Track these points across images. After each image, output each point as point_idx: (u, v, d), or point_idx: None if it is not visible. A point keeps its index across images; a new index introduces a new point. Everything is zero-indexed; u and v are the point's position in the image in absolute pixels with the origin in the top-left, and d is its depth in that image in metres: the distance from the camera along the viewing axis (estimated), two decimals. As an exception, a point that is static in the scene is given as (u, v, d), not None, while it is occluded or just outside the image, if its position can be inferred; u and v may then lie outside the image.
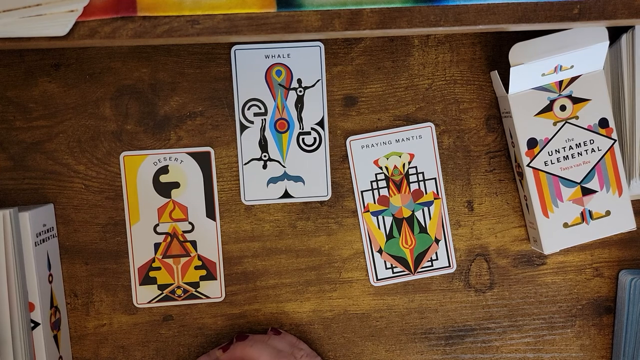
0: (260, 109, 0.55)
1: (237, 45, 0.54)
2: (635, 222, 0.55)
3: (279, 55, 0.55)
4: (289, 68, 0.55)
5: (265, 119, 0.55)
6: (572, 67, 0.52)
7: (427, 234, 0.57)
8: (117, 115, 0.55)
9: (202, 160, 0.55)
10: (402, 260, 0.57)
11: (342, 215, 0.57)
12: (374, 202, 0.57)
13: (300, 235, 0.57)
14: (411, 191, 0.57)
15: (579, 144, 0.54)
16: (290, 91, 0.55)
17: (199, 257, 0.56)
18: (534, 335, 0.59)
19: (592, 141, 0.54)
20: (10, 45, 0.41)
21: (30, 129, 0.54)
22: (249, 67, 0.54)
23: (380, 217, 0.57)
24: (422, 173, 0.57)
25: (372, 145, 0.56)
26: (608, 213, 0.54)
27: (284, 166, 0.56)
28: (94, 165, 0.55)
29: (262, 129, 0.55)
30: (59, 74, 0.54)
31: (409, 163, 0.57)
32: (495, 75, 0.54)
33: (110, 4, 0.39)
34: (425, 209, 0.57)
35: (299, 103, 0.55)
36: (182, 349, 0.57)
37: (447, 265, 0.58)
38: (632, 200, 0.55)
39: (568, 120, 0.54)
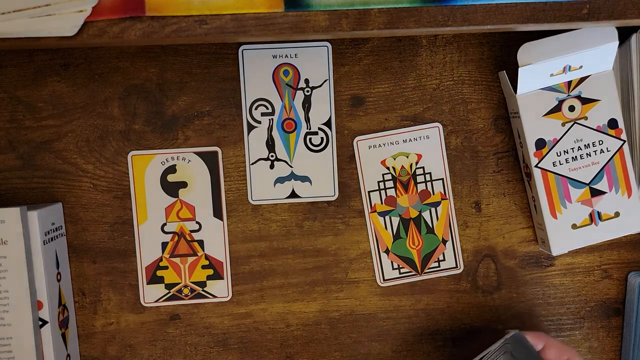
0: (267, 108, 0.55)
1: (244, 45, 0.54)
2: (645, 224, 0.54)
3: (286, 55, 0.55)
4: (296, 68, 0.55)
5: (272, 119, 0.55)
6: (581, 67, 0.52)
7: (435, 234, 0.57)
8: (125, 114, 0.55)
9: (210, 159, 0.56)
10: (409, 261, 0.57)
11: (349, 215, 0.57)
12: (381, 203, 0.56)
13: (307, 235, 0.57)
14: (418, 192, 0.57)
15: (588, 144, 0.53)
16: (297, 91, 0.55)
17: (206, 257, 0.56)
18: (541, 336, 0.58)
19: (601, 142, 0.53)
20: (20, 45, 0.41)
21: (39, 129, 0.55)
22: (257, 67, 0.55)
23: (387, 218, 0.57)
24: (430, 173, 0.57)
25: (380, 145, 0.56)
26: (617, 214, 0.54)
27: (291, 166, 0.56)
28: (102, 165, 0.55)
29: (270, 129, 0.55)
30: (67, 74, 0.54)
31: (417, 163, 0.56)
32: (503, 75, 0.54)
33: (119, 4, 0.40)
34: (433, 209, 0.57)
35: (307, 103, 0.55)
36: (189, 348, 0.57)
37: (455, 266, 0.57)
38: (641, 202, 0.55)
39: (577, 121, 0.53)
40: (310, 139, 0.56)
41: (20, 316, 0.49)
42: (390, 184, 0.56)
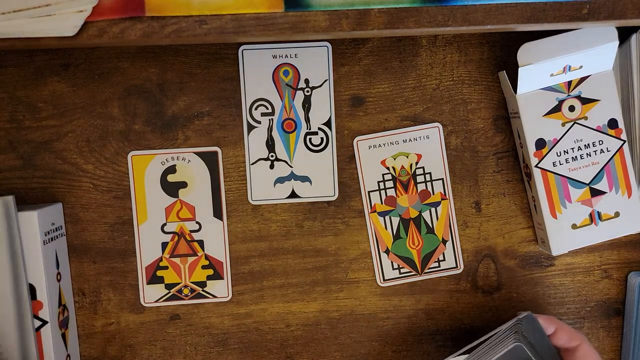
0: (267, 109, 0.55)
1: (244, 45, 0.54)
2: (645, 224, 0.54)
3: (286, 56, 0.55)
4: (296, 68, 0.55)
5: (272, 119, 0.55)
6: (581, 67, 0.52)
7: (435, 234, 0.57)
8: (126, 115, 0.55)
9: (210, 160, 0.56)
10: (409, 261, 0.57)
11: (349, 215, 0.57)
12: (381, 203, 0.56)
13: (307, 235, 0.57)
14: (418, 192, 0.57)
15: (588, 144, 0.53)
16: (297, 91, 0.55)
17: (206, 257, 0.56)
18: (541, 337, 0.58)
19: (601, 142, 0.53)
20: (20, 45, 0.41)
21: (40, 129, 0.55)
22: (257, 67, 0.55)
23: (387, 218, 0.57)
24: (430, 173, 0.57)
25: (380, 145, 0.56)
26: (617, 214, 0.54)
27: (291, 166, 0.56)
28: (103, 165, 0.55)
29: (270, 129, 0.55)
30: (68, 74, 0.54)
31: (417, 163, 0.56)
32: (503, 75, 0.54)
33: (119, 4, 0.40)
34: (433, 209, 0.57)
35: (307, 103, 0.55)
36: (189, 348, 0.57)
37: (455, 266, 0.57)
38: (641, 202, 0.54)
39: (577, 121, 0.53)
40: (310, 139, 0.56)
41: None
42: (390, 184, 0.56)
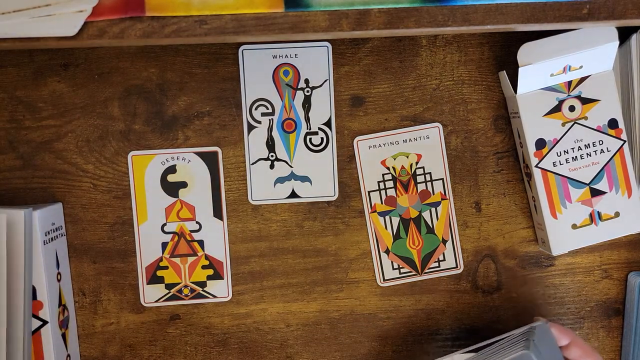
0: (267, 109, 0.55)
1: (244, 45, 0.54)
2: (645, 224, 0.54)
3: (286, 56, 0.55)
4: (296, 68, 0.55)
5: (272, 119, 0.55)
6: (581, 67, 0.52)
7: (435, 234, 0.57)
8: (126, 115, 0.55)
9: (210, 160, 0.56)
10: (409, 261, 0.57)
11: (349, 215, 0.57)
12: (381, 203, 0.56)
13: (307, 235, 0.57)
14: (418, 192, 0.57)
15: (588, 144, 0.53)
16: (297, 91, 0.55)
17: (206, 257, 0.56)
18: (541, 337, 0.58)
19: (601, 142, 0.53)
20: (20, 45, 0.41)
21: (40, 129, 0.55)
22: (257, 67, 0.55)
23: (387, 218, 0.57)
24: (430, 173, 0.57)
25: (380, 145, 0.56)
26: (617, 214, 0.54)
27: (291, 166, 0.56)
28: (103, 165, 0.55)
29: (270, 129, 0.55)
30: (68, 74, 0.54)
31: (417, 163, 0.56)
32: (503, 75, 0.54)
33: (119, 4, 0.40)
34: (433, 209, 0.57)
35: (307, 103, 0.55)
36: (189, 347, 0.57)
37: (455, 266, 0.57)
38: (641, 202, 0.54)
39: (577, 121, 0.53)
40: (310, 139, 0.56)
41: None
42: (390, 184, 0.56)
